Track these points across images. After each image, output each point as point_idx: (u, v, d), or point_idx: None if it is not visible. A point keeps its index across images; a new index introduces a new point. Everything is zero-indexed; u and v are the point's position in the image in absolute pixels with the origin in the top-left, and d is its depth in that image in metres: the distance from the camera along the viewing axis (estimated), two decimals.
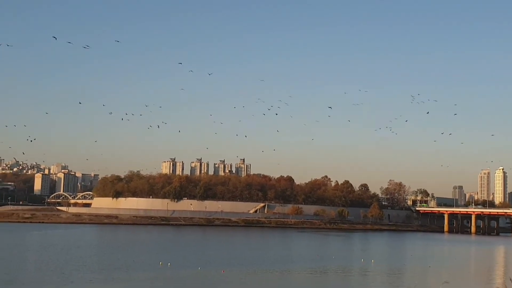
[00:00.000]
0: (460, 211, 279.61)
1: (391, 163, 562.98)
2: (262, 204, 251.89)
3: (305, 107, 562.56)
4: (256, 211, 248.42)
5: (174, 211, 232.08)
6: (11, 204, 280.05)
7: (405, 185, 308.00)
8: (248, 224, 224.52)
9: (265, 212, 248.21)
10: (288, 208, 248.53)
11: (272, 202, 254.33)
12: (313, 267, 73.55)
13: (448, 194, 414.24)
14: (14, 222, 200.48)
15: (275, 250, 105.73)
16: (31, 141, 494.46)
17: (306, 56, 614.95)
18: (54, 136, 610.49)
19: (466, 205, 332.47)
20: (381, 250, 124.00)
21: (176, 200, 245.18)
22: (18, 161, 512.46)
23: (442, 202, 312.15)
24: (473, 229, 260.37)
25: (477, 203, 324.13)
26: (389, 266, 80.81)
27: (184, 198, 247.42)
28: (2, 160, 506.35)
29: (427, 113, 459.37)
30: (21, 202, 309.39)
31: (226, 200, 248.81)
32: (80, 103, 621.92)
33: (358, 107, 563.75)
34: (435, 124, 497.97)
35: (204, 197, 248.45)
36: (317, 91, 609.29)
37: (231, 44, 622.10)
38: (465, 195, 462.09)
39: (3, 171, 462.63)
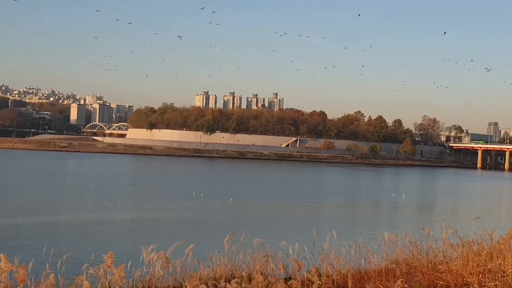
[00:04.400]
0: (494, 148, 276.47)
1: (426, 98, 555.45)
2: (294, 139, 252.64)
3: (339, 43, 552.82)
4: (288, 145, 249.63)
5: (207, 143, 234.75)
6: (48, 133, 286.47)
7: (439, 121, 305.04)
8: (280, 157, 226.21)
9: (297, 146, 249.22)
10: (320, 142, 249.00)
11: (304, 136, 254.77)
12: (344, 200, 74.24)
13: (483, 130, 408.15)
14: (51, 150, 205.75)
15: (306, 184, 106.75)
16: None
17: None
18: (89, 66, 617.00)
19: (501, 141, 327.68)
20: (412, 185, 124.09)
21: (209, 133, 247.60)
22: (54, 91, 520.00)
23: (476, 138, 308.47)
24: (506, 165, 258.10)
25: None
26: (420, 201, 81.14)
27: (216, 131, 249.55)
28: (39, 90, 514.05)
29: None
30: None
31: (258, 134, 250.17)
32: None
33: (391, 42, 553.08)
34: (472, 58, 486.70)
35: (236, 130, 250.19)
36: (352, 27, 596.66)
37: None
38: (500, 131, 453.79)
39: (40, 101, 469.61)
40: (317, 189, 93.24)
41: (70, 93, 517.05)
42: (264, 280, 10.61)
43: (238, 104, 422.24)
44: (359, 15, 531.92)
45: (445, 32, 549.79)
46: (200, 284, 10.05)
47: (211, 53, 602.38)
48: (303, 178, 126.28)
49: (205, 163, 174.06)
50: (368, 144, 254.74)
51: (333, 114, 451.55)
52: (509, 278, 10.54)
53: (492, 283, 10.11)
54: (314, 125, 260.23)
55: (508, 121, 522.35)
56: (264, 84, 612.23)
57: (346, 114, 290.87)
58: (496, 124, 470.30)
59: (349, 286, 10.24)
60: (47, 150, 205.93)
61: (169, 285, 11.15)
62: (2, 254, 9.61)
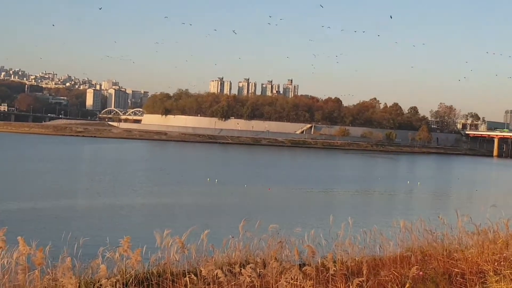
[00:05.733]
0: (510, 136, 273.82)
1: (442, 85, 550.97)
2: (308, 125, 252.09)
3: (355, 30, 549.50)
4: (302, 132, 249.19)
5: (221, 129, 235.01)
6: (64, 118, 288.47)
7: (455, 109, 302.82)
8: (294, 144, 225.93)
9: (312, 133, 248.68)
10: (335, 129, 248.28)
11: (319, 123, 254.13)
12: (358, 187, 74.11)
13: (499, 118, 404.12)
14: (67, 135, 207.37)
15: (320, 171, 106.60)
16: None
17: None
18: (104, 51, 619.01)
19: (507, 130, 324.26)
20: (427, 172, 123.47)
21: (223, 119, 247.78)
22: (70, 76, 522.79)
23: (493, 126, 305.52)
24: None
25: None
26: (435, 189, 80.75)
27: (231, 117, 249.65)
28: (55, 75, 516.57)
29: None
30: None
31: (272, 121, 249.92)
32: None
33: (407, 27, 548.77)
34: (488, 46, 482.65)
35: (251, 116, 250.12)
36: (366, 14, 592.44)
37: None
38: None
39: (56, 86, 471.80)
40: (331, 176, 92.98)
41: (86, 79, 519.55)
42: (278, 265, 10.64)
43: (252, 91, 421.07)
44: (321, 6, 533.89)
45: (391, 16, 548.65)
46: (215, 269, 10.11)
47: (226, 39, 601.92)
48: (317, 165, 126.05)
49: (220, 149, 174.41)
50: (383, 131, 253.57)
51: (349, 101, 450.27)
52: None
53: (508, 271, 10.07)
54: (329, 112, 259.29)
55: None
56: (279, 71, 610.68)
57: (361, 101, 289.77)
58: None
59: (364, 273, 10.24)
60: (63, 135, 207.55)
61: (184, 270, 11.22)
62: (20, 237, 9.73)
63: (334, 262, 11.27)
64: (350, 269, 11.72)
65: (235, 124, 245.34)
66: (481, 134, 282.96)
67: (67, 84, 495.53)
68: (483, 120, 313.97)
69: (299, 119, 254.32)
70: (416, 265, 11.21)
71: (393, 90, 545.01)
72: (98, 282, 9.87)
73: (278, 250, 12.49)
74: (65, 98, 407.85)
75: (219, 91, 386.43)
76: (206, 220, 37.18)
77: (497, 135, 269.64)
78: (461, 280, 11.08)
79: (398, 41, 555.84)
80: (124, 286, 10.08)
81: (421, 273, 11.00)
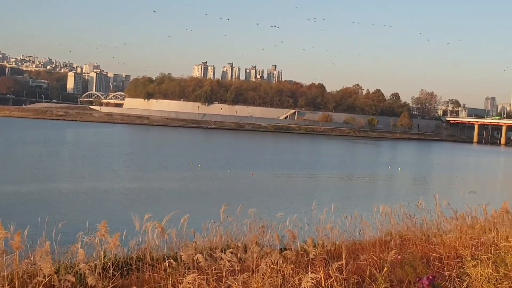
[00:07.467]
0: (490, 122, 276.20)
1: (423, 72, 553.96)
2: (292, 111, 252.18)
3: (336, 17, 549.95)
4: (286, 118, 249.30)
5: (204, 114, 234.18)
6: (45, 102, 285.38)
7: (436, 95, 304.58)
8: (278, 130, 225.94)
9: (295, 118, 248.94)
10: (318, 115, 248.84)
11: (303, 109, 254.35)
12: (341, 173, 74.47)
13: (480, 105, 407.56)
14: (48, 119, 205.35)
15: (304, 156, 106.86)
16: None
17: None
18: (87, 35, 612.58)
19: (498, 116, 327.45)
20: (408, 158, 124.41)
21: (207, 103, 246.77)
22: (51, 59, 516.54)
23: (473, 112, 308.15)
24: (503, 140, 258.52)
25: (509, 115, 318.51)
26: (416, 174, 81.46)
27: (215, 102, 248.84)
28: (36, 58, 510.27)
29: None
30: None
31: (256, 106, 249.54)
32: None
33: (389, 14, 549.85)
34: (469, 34, 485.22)
35: (234, 101, 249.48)
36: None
37: None
38: (497, 106, 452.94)
39: (37, 69, 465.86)
40: (314, 162, 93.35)
41: (67, 62, 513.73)
42: (259, 250, 10.67)
43: (236, 76, 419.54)
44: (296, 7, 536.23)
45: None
46: (196, 254, 10.10)
47: (210, 23, 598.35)
48: (301, 151, 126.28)
49: (203, 134, 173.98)
50: (365, 117, 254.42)
51: (332, 87, 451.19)
52: (502, 251, 10.61)
53: (485, 256, 10.18)
54: (313, 97, 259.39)
55: (506, 96, 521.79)
56: (263, 56, 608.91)
57: (344, 87, 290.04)
58: (493, 98, 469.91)
59: (343, 257, 10.30)
60: (44, 118, 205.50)
61: (164, 255, 11.21)
62: None
63: (315, 246, 11.33)
64: (330, 253, 11.80)
65: (218, 109, 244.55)
66: (462, 121, 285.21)
67: (48, 67, 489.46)
68: (464, 107, 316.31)
69: (283, 104, 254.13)
70: (395, 249, 11.30)
71: (375, 76, 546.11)
72: (77, 266, 9.83)
73: (260, 234, 12.54)
74: (46, 81, 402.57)
75: (202, 75, 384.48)
76: (188, 205, 37.16)
77: (477, 122, 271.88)
78: (439, 264, 11.19)
79: (430, 38, 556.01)
80: (103, 270, 10.05)
81: (399, 257, 11.09)
